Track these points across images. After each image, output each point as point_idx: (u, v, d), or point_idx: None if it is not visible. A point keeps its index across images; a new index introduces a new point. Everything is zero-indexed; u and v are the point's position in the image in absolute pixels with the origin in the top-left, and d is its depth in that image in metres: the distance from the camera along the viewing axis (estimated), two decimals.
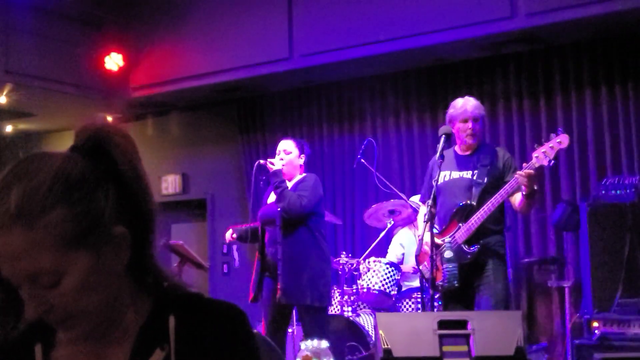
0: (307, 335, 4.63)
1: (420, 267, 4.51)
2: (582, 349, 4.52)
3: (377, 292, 5.62)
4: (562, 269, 6.09)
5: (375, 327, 3.42)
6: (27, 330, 1.28)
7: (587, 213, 5.12)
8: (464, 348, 3.34)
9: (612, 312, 4.62)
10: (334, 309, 5.65)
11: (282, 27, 6.86)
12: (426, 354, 3.33)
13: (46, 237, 1.09)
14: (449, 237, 4.34)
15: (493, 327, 3.38)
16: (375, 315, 4.37)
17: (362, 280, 5.70)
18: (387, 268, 5.68)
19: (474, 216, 4.29)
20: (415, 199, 5.54)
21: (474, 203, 4.34)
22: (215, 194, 8.26)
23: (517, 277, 6.24)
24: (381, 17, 6.35)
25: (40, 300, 1.13)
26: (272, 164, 4.84)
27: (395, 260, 6.03)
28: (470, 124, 4.48)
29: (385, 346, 3.33)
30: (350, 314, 5.68)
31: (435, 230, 4.35)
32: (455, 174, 4.51)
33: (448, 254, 4.23)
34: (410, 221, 6.04)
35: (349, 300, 5.77)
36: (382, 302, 5.76)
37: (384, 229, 6.10)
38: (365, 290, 5.66)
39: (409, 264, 5.90)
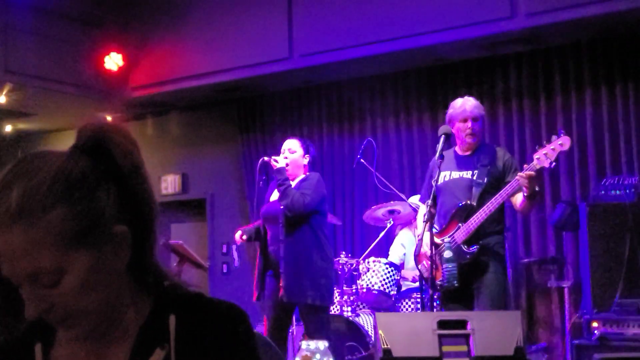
0: (309, 334, 4.64)
1: (419, 267, 4.51)
2: (581, 349, 4.53)
3: (376, 292, 5.62)
4: (562, 269, 6.09)
5: (375, 327, 3.42)
6: (27, 329, 1.28)
7: (586, 213, 5.12)
8: (464, 348, 3.34)
9: (611, 312, 4.62)
10: (333, 309, 5.65)
11: (282, 27, 6.86)
12: (426, 354, 3.33)
13: (47, 236, 1.09)
14: (449, 237, 4.34)
15: (493, 327, 3.38)
16: (374, 315, 4.38)
17: (362, 280, 5.70)
18: (387, 268, 5.68)
19: (474, 216, 4.29)
20: (415, 199, 5.54)
21: (474, 203, 4.34)
22: (215, 194, 8.26)
23: (516, 277, 6.24)
24: (381, 17, 6.35)
25: (41, 300, 1.13)
26: (276, 161, 4.85)
27: (397, 261, 6.03)
28: (469, 124, 4.48)
29: (385, 346, 3.33)
30: (349, 314, 5.67)
31: (434, 230, 4.34)
32: (455, 174, 4.50)
33: (447, 253, 4.23)
34: (410, 222, 6.04)
35: (348, 300, 5.77)
36: (382, 302, 5.76)
37: (384, 228, 6.10)
38: (364, 290, 5.66)
39: (410, 266, 5.90)
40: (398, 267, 5.84)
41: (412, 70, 6.97)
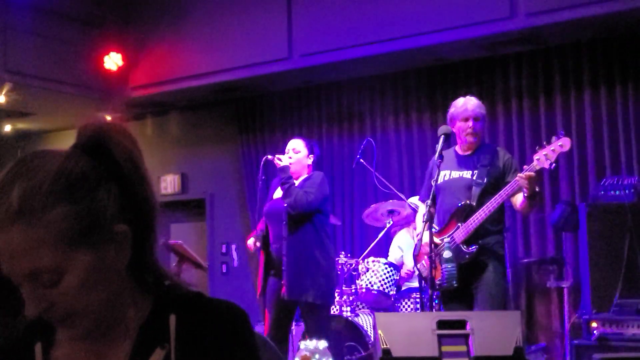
0: (309, 333, 4.65)
1: (418, 266, 4.51)
2: (580, 349, 4.53)
3: (376, 292, 5.63)
4: (561, 269, 6.09)
5: (374, 327, 3.42)
6: (27, 329, 1.28)
7: (586, 213, 5.12)
8: (463, 348, 3.34)
9: (610, 313, 4.62)
10: (333, 309, 5.65)
11: (282, 27, 6.86)
12: (425, 354, 3.33)
13: (47, 235, 1.09)
14: (448, 236, 4.34)
15: (492, 327, 3.38)
16: (374, 315, 4.38)
17: (361, 280, 5.70)
18: (386, 268, 5.69)
19: (473, 217, 4.30)
20: (414, 199, 5.54)
21: (474, 203, 4.34)
22: (215, 194, 8.27)
23: (516, 277, 6.24)
24: (381, 17, 6.35)
25: (41, 299, 1.13)
26: (280, 159, 4.86)
27: (395, 263, 6.03)
28: (470, 123, 4.48)
29: (384, 346, 3.33)
30: (349, 314, 5.68)
31: (434, 230, 4.34)
32: (455, 174, 4.51)
33: (447, 253, 4.23)
34: (409, 222, 6.04)
35: (347, 300, 5.77)
36: (381, 302, 5.76)
37: (383, 228, 6.10)
38: (364, 290, 5.66)
39: (406, 267, 5.90)
40: (397, 267, 5.84)
41: (411, 71, 6.97)
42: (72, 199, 1.11)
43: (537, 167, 4.13)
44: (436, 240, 4.33)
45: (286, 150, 4.99)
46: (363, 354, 5.37)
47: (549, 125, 6.28)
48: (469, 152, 4.56)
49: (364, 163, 5.92)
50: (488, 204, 4.27)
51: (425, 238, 4.23)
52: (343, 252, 5.94)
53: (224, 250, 8.09)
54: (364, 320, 5.59)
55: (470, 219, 4.30)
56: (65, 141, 1.19)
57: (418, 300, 5.49)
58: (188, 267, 5.73)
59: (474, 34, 6.02)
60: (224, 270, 8.11)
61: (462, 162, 4.53)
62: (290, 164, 4.87)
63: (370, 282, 5.64)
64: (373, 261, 5.74)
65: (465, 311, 4.12)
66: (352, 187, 7.26)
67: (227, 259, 8.00)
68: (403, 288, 5.91)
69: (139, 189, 1.19)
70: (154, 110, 8.45)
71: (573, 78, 6.24)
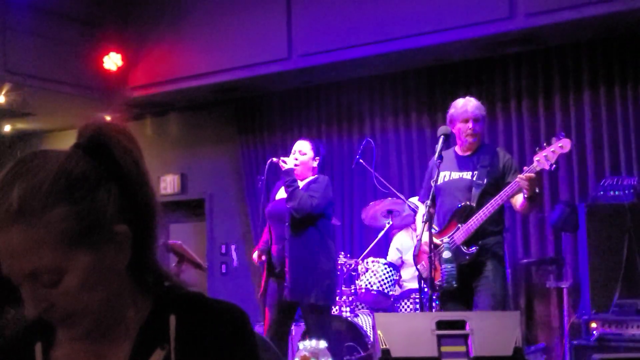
0: (309, 333, 4.65)
1: (418, 267, 4.51)
2: (580, 349, 4.53)
3: (375, 293, 5.63)
4: (561, 269, 6.09)
5: (374, 328, 3.42)
6: (27, 329, 1.28)
7: (585, 214, 5.12)
8: (462, 348, 3.34)
9: (610, 313, 4.62)
10: (332, 309, 5.65)
11: (281, 27, 6.86)
12: (424, 354, 3.33)
13: (47, 235, 1.09)
14: (448, 237, 4.34)
15: (491, 328, 3.39)
16: (373, 315, 4.37)
17: (361, 280, 5.70)
18: (386, 268, 5.69)
19: (473, 217, 4.29)
20: (414, 200, 5.54)
21: (474, 204, 4.34)
22: (214, 194, 8.27)
23: (515, 277, 6.24)
24: (380, 18, 6.35)
25: (41, 299, 1.13)
26: (285, 162, 4.85)
27: (394, 264, 6.02)
28: (470, 124, 4.48)
29: (384, 346, 3.33)
30: (348, 314, 5.68)
31: (434, 230, 4.35)
32: (455, 175, 4.51)
33: (447, 254, 4.23)
34: (408, 224, 6.04)
35: (347, 300, 5.77)
36: (381, 303, 5.76)
37: (382, 229, 6.09)
38: (363, 290, 5.66)
39: (407, 270, 5.89)
40: (397, 268, 5.84)
41: (411, 71, 6.97)
42: (72, 199, 1.11)
43: (537, 169, 4.13)
44: (436, 241, 4.33)
45: (292, 151, 4.98)
46: (362, 354, 5.37)
47: (548, 125, 6.28)
48: (468, 153, 4.56)
49: (364, 163, 5.92)
50: (488, 204, 4.27)
51: (425, 238, 4.23)
52: (342, 253, 5.94)
53: (223, 250, 8.10)
54: (364, 320, 5.59)
55: (470, 219, 4.30)
56: (65, 141, 1.19)
57: (417, 300, 5.49)
58: (187, 268, 5.73)
59: (474, 34, 6.02)
60: (224, 271, 8.11)
61: (462, 163, 4.53)
62: (297, 166, 4.86)
63: (369, 283, 5.64)
64: (372, 261, 5.74)
65: (464, 311, 4.12)
66: (352, 188, 7.26)
67: (227, 259, 8.00)
68: (404, 288, 5.90)
69: (139, 189, 1.19)
70: (154, 111, 8.45)
71: (572, 78, 6.24)
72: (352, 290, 5.76)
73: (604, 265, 4.98)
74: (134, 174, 1.19)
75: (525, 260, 6.28)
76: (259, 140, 7.86)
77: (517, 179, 4.15)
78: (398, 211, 5.99)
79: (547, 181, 6.22)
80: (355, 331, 5.47)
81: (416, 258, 4.51)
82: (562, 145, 4.14)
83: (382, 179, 5.96)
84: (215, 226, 8.20)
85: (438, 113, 6.69)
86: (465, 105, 4.53)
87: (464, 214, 4.35)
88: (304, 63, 6.82)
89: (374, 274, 5.66)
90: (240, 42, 7.07)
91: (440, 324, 3.38)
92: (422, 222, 4.33)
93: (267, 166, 5.00)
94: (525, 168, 4.20)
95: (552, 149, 4.14)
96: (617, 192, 5.11)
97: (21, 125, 8.77)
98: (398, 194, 5.95)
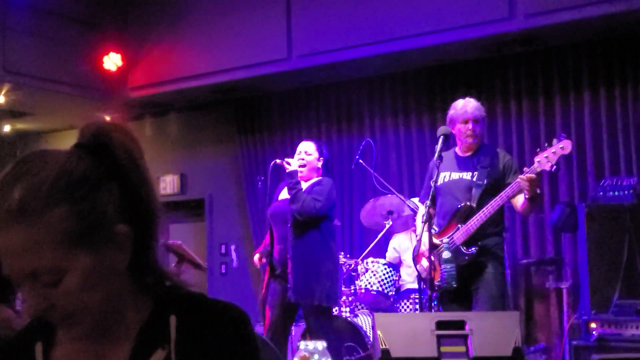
0: (311, 334, 4.65)
1: (418, 267, 4.51)
2: (579, 350, 4.53)
3: (375, 293, 5.63)
4: (560, 270, 6.09)
5: (373, 328, 3.42)
6: (27, 329, 1.28)
7: (585, 214, 5.11)
8: (462, 349, 3.34)
9: (609, 313, 4.62)
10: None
11: (281, 27, 6.86)
12: (424, 355, 3.34)
13: (48, 235, 1.09)
14: (447, 238, 4.34)
15: (491, 328, 3.39)
16: (373, 315, 4.37)
17: (361, 280, 5.70)
18: (386, 269, 5.69)
19: (473, 218, 4.30)
20: (415, 200, 5.54)
21: (474, 205, 4.34)
22: (214, 194, 8.27)
23: (515, 278, 6.24)
24: (379, 18, 6.35)
25: (41, 299, 1.13)
26: (289, 163, 4.85)
27: (393, 263, 6.02)
28: (470, 125, 4.49)
29: (383, 346, 3.34)
30: (348, 314, 5.68)
31: (433, 231, 4.35)
32: (455, 175, 4.51)
33: (446, 254, 4.23)
34: (408, 226, 6.03)
35: (347, 300, 5.77)
36: (380, 303, 5.76)
37: (381, 230, 6.09)
38: (363, 290, 5.66)
39: (404, 269, 5.89)
40: (396, 268, 5.84)
41: (410, 71, 6.97)
42: (72, 199, 1.11)
43: (538, 170, 4.13)
44: (435, 241, 4.33)
45: (297, 152, 4.98)
46: (362, 354, 5.37)
47: (548, 126, 6.28)
48: (469, 154, 4.56)
49: (363, 164, 5.91)
50: (488, 205, 4.27)
51: (425, 239, 4.23)
52: (342, 253, 5.94)
53: (223, 250, 8.09)
54: (363, 320, 5.59)
55: (470, 220, 4.30)
56: (65, 141, 1.19)
57: (417, 300, 5.48)
58: (187, 268, 5.72)
59: (473, 35, 6.02)
60: (223, 271, 8.11)
61: (462, 164, 4.53)
62: (302, 166, 4.86)
63: (369, 283, 5.64)
64: (372, 262, 5.74)
65: (464, 312, 4.12)
66: (352, 188, 7.26)
67: (226, 260, 8.00)
68: (403, 288, 5.90)
69: (140, 189, 1.19)
70: (153, 111, 8.45)
71: (572, 79, 6.24)
72: (352, 291, 5.76)
73: (603, 265, 4.98)
74: (135, 174, 1.19)
75: (524, 261, 6.28)
76: (259, 141, 7.86)
77: (518, 180, 4.16)
78: (397, 212, 5.98)
79: (547, 181, 6.22)
80: (355, 331, 5.47)
81: (416, 258, 4.51)
82: (562, 146, 4.14)
83: (381, 180, 5.96)
84: (215, 226, 8.20)
85: (438, 113, 6.69)
86: (465, 106, 4.53)
87: (464, 215, 4.35)
88: (303, 63, 6.82)
89: (374, 274, 5.65)
90: (240, 42, 7.07)
91: (440, 324, 3.38)
92: (422, 222, 4.34)
93: (270, 168, 4.99)
94: (525, 169, 4.20)
95: (552, 150, 4.14)
96: (616, 193, 5.11)
97: (21, 125, 8.77)
98: (397, 194, 5.94)
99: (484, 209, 4.27)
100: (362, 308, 5.91)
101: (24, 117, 8.33)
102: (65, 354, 1.24)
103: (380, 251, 6.26)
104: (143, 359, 1.20)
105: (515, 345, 3.31)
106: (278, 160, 4.94)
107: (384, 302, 5.74)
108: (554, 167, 4.14)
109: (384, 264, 5.73)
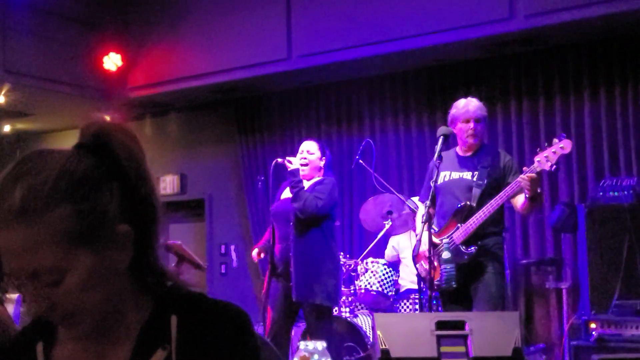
0: (311, 334, 4.65)
1: (417, 267, 4.51)
2: (579, 350, 4.53)
3: (375, 293, 5.63)
4: (560, 270, 6.09)
5: (373, 328, 3.42)
6: (28, 328, 1.29)
7: (585, 214, 5.12)
8: (462, 349, 3.35)
9: (609, 314, 4.62)
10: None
11: (281, 27, 6.86)
12: (424, 355, 3.34)
13: (49, 234, 1.09)
14: (447, 237, 4.34)
15: (491, 328, 3.39)
16: (373, 315, 4.38)
17: (360, 281, 5.70)
18: (385, 269, 5.69)
19: (473, 217, 4.30)
20: (415, 200, 5.54)
21: (474, 204, 4.34)
22: (214, 194, 8.27)
23: (515, 278, 6.24)
24: (380, 18, 6.36)
25: (42, 298, 1.13)
26: (291, 162, 4.85)
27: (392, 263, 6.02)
28: (472, 125, 4.48)
29: (383, 347, 3.34)
30: (348, 314, 5.68)
31: (433, 230, 4.35)
32: (456, 175, 4.51)
33: (446, 254, 4.23)
34: (407, 227, 6.03)
35: (347, 301, 5.77)
36: (380, 303, 5.76)
37: (380, 230, 6.09)
38: (363, 291, 5.66)
39: (403, 268, 5.89)
40: (396, 268, 5.83)
41: (410, 71, 6.97)
42: (74, 199, 1.11)
43: (538, 169, 4.13)
44: (435, 240, 4.33)
45: (300, 151, 4.99)
46: (362, 354, 5.37)
47: (548, 126, 6.28)
48: (469, 153, 4.56)
49: (363, 164, 5.91)
50: (488, 205, 4.27)
51: (424, 239, 4.23)
52: (342, 253, 5.94)
53: (223, 250, 8.09)
54: (363, 320, 5.60)
55: (470, 219, 4.30)
56: (65, 141, 1.19)
57: (417, 301, 5.49)
58: (187, 268, 5.72)
59: (473, 35, 6.02)
60: (223, 271, 8.11)
61: (463, 163, 4.53)
62: (305, 165, 4.86)
63: (369, 283, 5.65)
64: (372, 262, 5.74)
65: (464, 312, 4.12)
66: (351, 188, 7.26)
67: (226, 260, 8.00)
68: (402, 289, 5.90)
69: (141, 189, 1.19)
70: (153, 111, 8.45)
71: (572, 79, 6.24)
72: (352, 291, 5.76)
73: (603, 265, 4.98)
74: (136, 174, 1.19)
75: (524, 261, 6.28)
76: (259, 141, 7.86)
77: (519, 179, 4.16)
78: (397, 212, 5.98)
79: (547, 182, 6.22)
80: (355, 331, 5.47)
81: (415, 258, 4.51)
82: (562, 146, 4.15)
83: (381, 180, 5.96)
84: (215, 226, 8.20)
85: (438, 113, 6.69)
86: (467, 105, 4.53)
87: (464, 214, 4.35)
88: (303, 63, 6.82)
89: (374, 275, 5.66)
90: (240, 42, 7.07)
91: (440, 324, 3.38)
92: (422, 222, 4.34)
93: (272, 167, 4.98)
94: (525, 169, 4.20)
95: (552, 150, 4.14)
96: (616, 193, 5.11)
97: (21, 125, 8.77)
98: (397, 194, 5.94)
99: (483, 208, 4.27)
100: (362, 308, 5.92)
101: (24, 117, 8.33)
102: (66, 354, 1.24)
103: (379, 251, 6.26)
104: (144, 358, 1.20)
105: (515, 346, 3.31)
106: (279, 160, 4.94)
107: (383, 302, 5.74)
108: (554, 166, 4.14)
109: (384, 264, 5.73)
